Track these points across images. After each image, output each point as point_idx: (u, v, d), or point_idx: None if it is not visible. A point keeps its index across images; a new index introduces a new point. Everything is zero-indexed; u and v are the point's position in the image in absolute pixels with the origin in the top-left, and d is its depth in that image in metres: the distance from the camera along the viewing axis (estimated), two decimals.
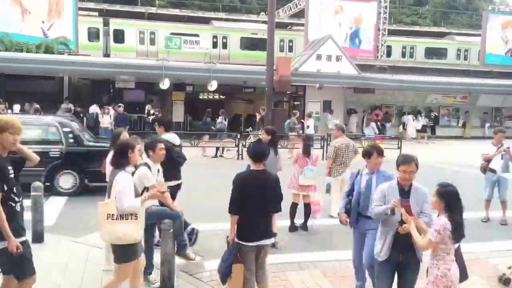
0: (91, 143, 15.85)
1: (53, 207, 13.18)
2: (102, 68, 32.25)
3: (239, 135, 26.75)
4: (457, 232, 5.89)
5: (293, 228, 11.80)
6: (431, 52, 51.86)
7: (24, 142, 6.11)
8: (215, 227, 11.51)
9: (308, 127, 28.87)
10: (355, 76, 36.01)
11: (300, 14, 49.11)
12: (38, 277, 7.83)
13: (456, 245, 6.16)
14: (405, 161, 6.46)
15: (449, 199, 5.94)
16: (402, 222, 6.19)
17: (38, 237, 9.92)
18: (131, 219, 6.54)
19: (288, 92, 34.97)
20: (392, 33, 52.41)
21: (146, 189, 8.03)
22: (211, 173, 20.21)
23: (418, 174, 6.47)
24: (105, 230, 6.58)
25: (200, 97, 40.19)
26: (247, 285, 7.06)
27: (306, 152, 12.10)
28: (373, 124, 35.33)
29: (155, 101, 37.35)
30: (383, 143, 28.31)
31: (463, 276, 6.51)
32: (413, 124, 36.87)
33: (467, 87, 40.59)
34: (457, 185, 6.01)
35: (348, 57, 36.79)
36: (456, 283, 6.07)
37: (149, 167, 8.14)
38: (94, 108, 31.21)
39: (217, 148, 25.65)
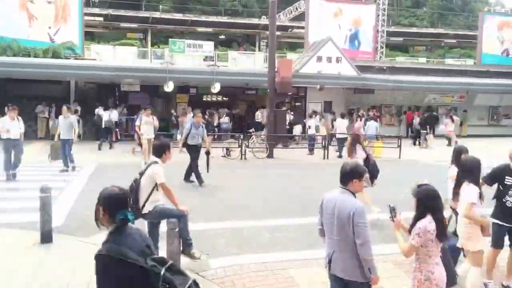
0: None
1: (62, 207, 13.40)
2: (108, 72, 32.37)
3: (242, 135, 27.39)
4: (442, 233, 5.75)
5: None
6: None
7: None
8: (219, 226, 11.84)
9: (309, 127, 29.42)
10: (355, 77, 36.47)
11: (301, 17, 49.52)
12: (46, 277, 8.23)
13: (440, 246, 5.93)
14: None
15: (425, 199, 5.83)
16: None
17: (47, 237, 10.14)
18: None
19: (289, 94, 35.51)
20: (390, 34, 53.05)
21: (155, 187, 8.51)
22: (215, 173, 20.05)
23: None
24: None
25: (204, 99, 40.64)
26: None
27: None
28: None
29: (159, 103, 38.05)
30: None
31: (451, 280, 6.40)
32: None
33: (465, 86, 41.21)
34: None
35: (348, 58, 37.30)
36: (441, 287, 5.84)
37: (159, 165, 8.58)
38: (98, 111, 31.87)
39: (228, 149, 26.28)
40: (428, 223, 5.70)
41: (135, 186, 8.54)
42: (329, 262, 5.96)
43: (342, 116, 29.81)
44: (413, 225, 5.84)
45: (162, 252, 8.15)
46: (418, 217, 5.81)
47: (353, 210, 5.59)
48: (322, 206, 6.06)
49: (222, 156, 25.71)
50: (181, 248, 8.54)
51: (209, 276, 8.74)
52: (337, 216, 5.75)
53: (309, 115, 31.91)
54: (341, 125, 28.70)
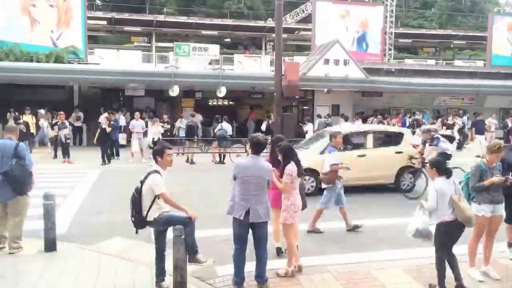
0: None
1: (65, 215, 13.25)
2: (112, 76, 32.11)
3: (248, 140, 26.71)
4: (300, 172, 9.22)
5: None
6: None
7: None
8: (225, 232, 11.03)
9: (306, 132, 28.92)
10: (363, 79, 36.03)
11: (307, 19, 49.39)
12: (50, 285, 8.09)
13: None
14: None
15: (286, 151, 9.31)
16: None
17: (51, 245, 9.98)
18: None
19: (296, 97, 35.03)
20: (398, 36, 52.64)
21: (157, 196, 8.18)
22: (221, 179, 20.13)
23: None
24: None
25: (210, 103, 40.22)
26: None
27: None
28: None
29: (164, 108, 37.57)
30: None
31: (304, 205, 9.70)
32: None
33: (475, 88, 40.62)
34: None
35: (356, 61, 36.86)
36: (299, 209, 9.34)
37: (160, 174, 8.25)
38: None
39: (223, 155, 25.75)
40: (291, 166, 9.09)
41: (137, 196, 8.32)
42: (247, 213, 8.28)
43: (346, 119, 29.34)
44: (283, 169, 9.15)
45: (169, 260, 8.10)
46: (285, 164, 9.14)
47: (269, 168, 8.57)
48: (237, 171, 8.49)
49: (216, 163, 25.60)
50: (187, 256, 8.24)
51: (216, 284, 8.72)
52: (256, 176, 8.31)
53: (306, 119, 31.40)
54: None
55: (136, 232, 8.60)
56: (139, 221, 8.33)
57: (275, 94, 27.70)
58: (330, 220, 12.42)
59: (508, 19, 50.57)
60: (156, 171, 8.29)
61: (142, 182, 8.33)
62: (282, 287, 8.60)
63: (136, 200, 8.29)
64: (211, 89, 35.03)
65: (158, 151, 8.53)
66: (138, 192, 8.30)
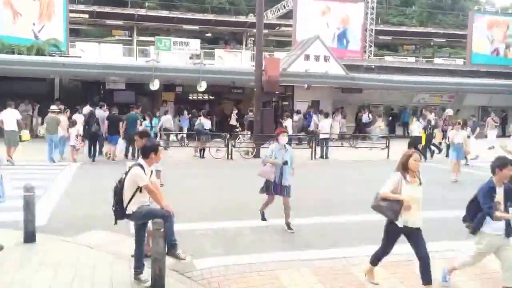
0: None
1: (45, 207, 13.14)
2: (93, 69, 32.21)
3: (228, 135, 26.88)
4: None
5: None
6: None
7: None
8: (204, 226, 11.58)
9: (285, 127, 28.97)
10: (343, 76, 36.19)
11: (288, 15, 49.48)
12: (28, 277, 8.08)
13: None
14: None
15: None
16: None
17: (30, 237, 9.93)
18: None
19: (276, 93, 35.15)
20: (379, 33, 52.87)
21: (139, 188, 8.19)
22: (200, 173, 20.28)
23: None
24: None
25: (190, 97, 40.25)
26: None
27: None
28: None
29: (145, 101, 37.59)
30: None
31: None
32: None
33: (454, 86, 40.91)
34: None
35: (336, 57, 36.99)
36: None
37: (142, 168, 8.24)
38: (87, 109, 31.31)
39: (202, 149, 25.83)
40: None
41: (120, 186, 8.35)
42: None
43: (326, 116, 29.51)
44: None
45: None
46: None
47: None
48: None
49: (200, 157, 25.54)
50: (166, 249, 8.24)
51: (194, 277, 8.66)
52: None
53: (286, 115, 31.39)
54: (325, 125, 28.41)
55: (115, 223, 8.60)
56: (119, 212, 8.35)
57: (255, 89, 27.81)
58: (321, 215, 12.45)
59: (488, 18, 50.97)
60: (139, 164, 8.32)
61: (126, 173, 8.37)
62: (259, 281, 8.57)
63: (118, 191, 8.32)
64: (191, 84, 35.17)
65: (153, 148, 8.60)
66: (121, 183, 8.35)
